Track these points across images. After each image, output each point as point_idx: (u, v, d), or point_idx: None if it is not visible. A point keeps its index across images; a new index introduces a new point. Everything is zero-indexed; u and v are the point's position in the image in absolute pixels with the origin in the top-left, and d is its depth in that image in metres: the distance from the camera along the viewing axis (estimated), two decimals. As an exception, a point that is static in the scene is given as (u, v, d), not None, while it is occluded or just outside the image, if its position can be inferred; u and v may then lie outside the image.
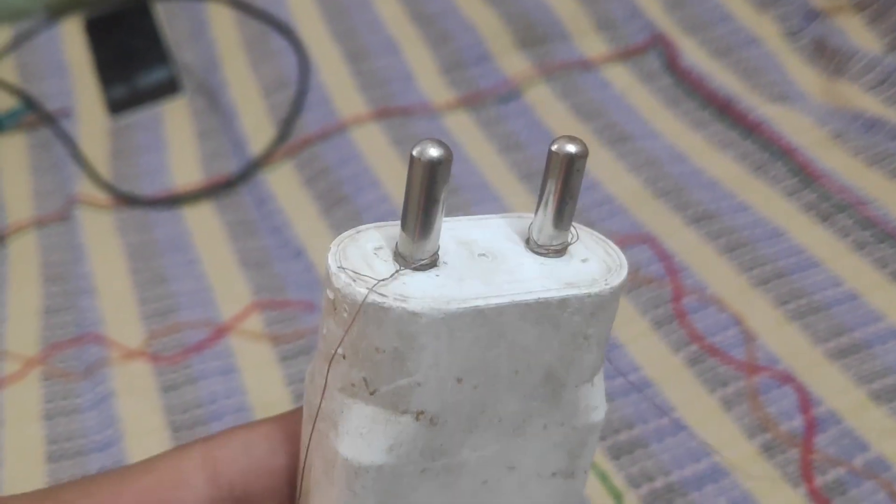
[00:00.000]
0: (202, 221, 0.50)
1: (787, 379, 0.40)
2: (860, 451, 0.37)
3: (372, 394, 0.16)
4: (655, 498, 0.36)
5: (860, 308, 0.42)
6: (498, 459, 0.17)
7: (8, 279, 0.48)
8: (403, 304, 0.15)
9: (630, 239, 0.46)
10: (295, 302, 0.45)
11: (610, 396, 0.40)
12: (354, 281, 0.16)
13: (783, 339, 0.41)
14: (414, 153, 0.15)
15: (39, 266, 0.48)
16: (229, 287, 0.46)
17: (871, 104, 0.52)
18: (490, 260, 0.17)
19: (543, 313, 0.16)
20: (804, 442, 0.38)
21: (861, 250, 0.45)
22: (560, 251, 0.17)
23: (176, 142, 0.54)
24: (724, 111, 0.52)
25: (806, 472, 0.37)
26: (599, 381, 0.18)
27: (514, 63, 0.55)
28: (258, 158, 0.51)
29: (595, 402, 0.18)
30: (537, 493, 0.18)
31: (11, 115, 0.56)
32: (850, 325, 0.42)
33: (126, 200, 0.51)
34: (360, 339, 0.16)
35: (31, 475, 0.39)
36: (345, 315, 0.16)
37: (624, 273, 0.17)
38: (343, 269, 0.16)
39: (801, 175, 0.48)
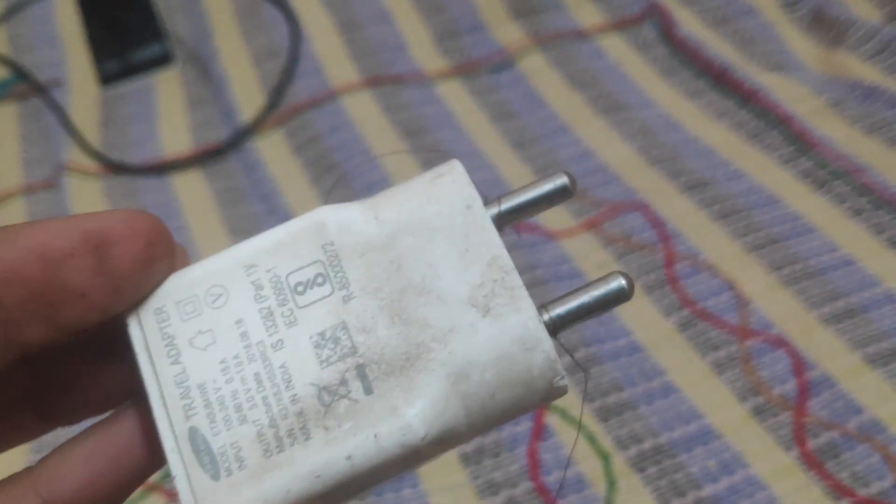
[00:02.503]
0: (191, 189, 0.49)
1: (780, 343, 0.39)
2: (854, 415, 0.37)
3: None
4: (643, 459, 0.36)
5: (856, 273, 0.42)
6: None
7: (-6, 246, 0.47)
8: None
9: (623, 206, 0.46)
10: (283, 268, 0.45)
11: (599, 360, 0.39)
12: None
13: (777, 304, 0.41)
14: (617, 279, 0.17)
15: (26, 233, 0.48)
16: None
17: (869, 73, 0.51)
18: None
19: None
20: (797, 405, 0.37)
21: (858, 217, 0.44)
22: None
23: (166, 111, 0.54)
24: (719, 80, 0.51)
25: (798, 436, 0.36)
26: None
27: (507, 32, 0.55)
28: (248, 126, 0.51)
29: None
30: None
31: (2, 85, 0.56)
32: (845, 291, 0.41)
33: (114, 168, 0.50)
34: None
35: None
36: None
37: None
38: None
39: (798, 143, 0.47)
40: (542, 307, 0.17)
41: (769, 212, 0.45)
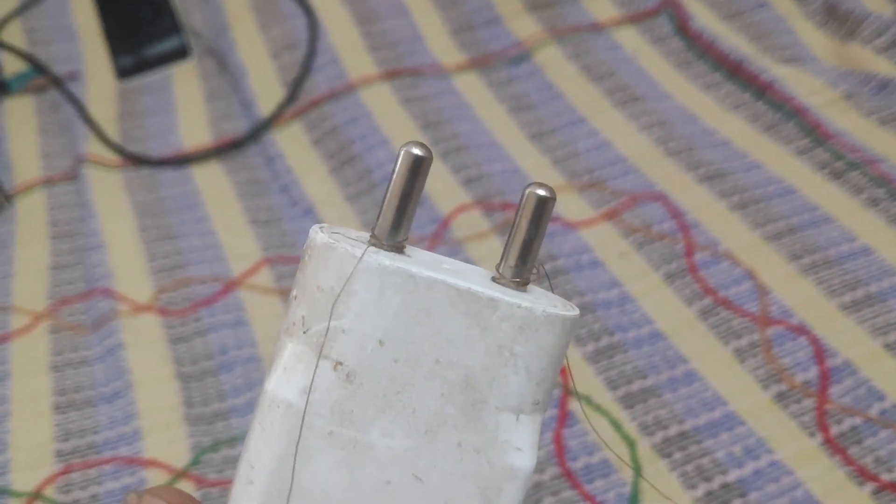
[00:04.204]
0: (211, 180, 0.50)
1: (801, 331, 0.40)
2: (876, 401, 0.37)
3: (305, 332, 0.17)
4: (669, 445, 0.36)
5: (874, 263, 0.42)
6: (406, 461, 0.17)
7: (16, 237, 0.48)
8: (347, 247, 0.17)
9: (642, 197, 0.46)
10: (304, 258, 0.45)
11: (622, 348, 0.40)
12: (321, 231, 0.17)
13: (797, 293, 0.41)
14: (402, 150, 0.18)
15: (47, 224, 0.48)
16: (238, 244, 0.46)
17: (882, 66, 0.51)
18: (451, 270, 0.18)
19: (472, 306, 0.17)
20: (819, 392, 0.37)
21: (875, 207, 0.44)
22: (520, 285, 0.18)
23: (184, 104, 0.54)
24: (735, 72, 0.52)
25: (821, 422, 0.37)
26: (529, 425, 0.18)
27: (524, 25, 0.55)
28: (267, 119, 0.51)
29: (518, 443, 0.18)
30: None
31: (20, 78, 0.56)
32: (864, 279, 0.41)
33: (134, 160, 0.51)
34: (309, 277, 0.17)
35: (39, 425, 0.39)
36: (305, 258, 0.18)
37: (570, 315, 0.18)
38: (321, 227, 0.18)
39: (814, 135, 0.48)
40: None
41: (787, 202, 0.45)
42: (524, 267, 0.18)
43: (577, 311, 0.18)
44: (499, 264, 0.18)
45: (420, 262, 0.17)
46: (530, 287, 0.18)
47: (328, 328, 0.17)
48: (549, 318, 0.17)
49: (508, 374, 0.17)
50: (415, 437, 0.17)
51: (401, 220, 0.18)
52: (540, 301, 0.18)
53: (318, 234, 0.17)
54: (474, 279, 0.18)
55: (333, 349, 0.17)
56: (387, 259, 0.17)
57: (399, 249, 0.18)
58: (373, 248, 0.17)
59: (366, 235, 0.18)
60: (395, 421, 0.17)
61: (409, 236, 0.18)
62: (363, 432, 0.17)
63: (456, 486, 0.17)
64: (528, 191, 0.18)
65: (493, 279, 0.18)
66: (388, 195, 0.18)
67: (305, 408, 0.17)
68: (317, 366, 0.17)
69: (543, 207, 0.18)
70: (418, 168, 0.18)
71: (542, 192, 0.18)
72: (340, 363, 0.17)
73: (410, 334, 0.17)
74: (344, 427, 0.17)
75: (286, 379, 0.17)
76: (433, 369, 0.17)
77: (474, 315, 0.17)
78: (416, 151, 0.17)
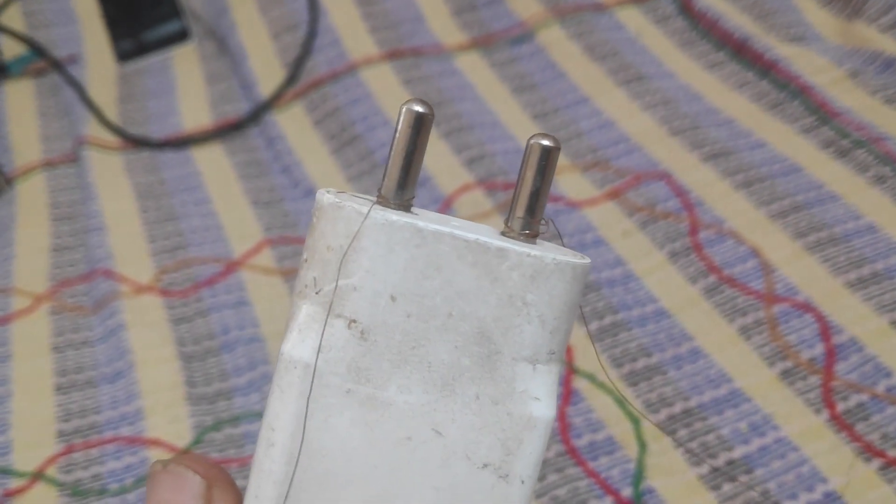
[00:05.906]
0: (212, 162, 0.49)
1: (806, 308, 0.39)
2: (883, 377, 0.37)
3: (317, 293, 0.17)
4: (674, 422, 0.36)
5: (880, 240, 0.42)
6: (425, 415, 0.17)
7: (16, 219, 0.47)
8: (354, 205, 0.17)
9: (646, 176, 0.46)
10: (306, 238, 0.45)
11: (627, 326, 0.39)
12: (328, 193, 0.18)
13: (802, 271, 0.41)
14: (403, 107, 0.17)
15: (48, 206, 0.48)
16: (240, 225, 0.46)
17: (888, 44, 0.51)
18: (459, 226, 0.18)
19: (481, 257, 0.17)
20: (825, 369, 0.37)
21: (881, 184, 0.44)
22: (529, 237, 0.18)
23: (185, 86, 0.54)
24: (739, 52, 0.51)
25: (827, 398, 0.36)
26: (546, 374, 0.18)
27: (526, 5, 0.55)
28: (268, 100, 0.51)
29: (536, 393, 0.17)
30: (463, 482, 0.17)
31: (19, 61, 0.56)
32: (870, 256, 0.41)
33: (135, 142, 0.50)
34: (318, 238, 0.17)
35: (41, 406, 0.39)
36: (314, 221, 0.18)
37: (580, 262, 0.18)
38: (327, 190, 0.18)
39: (819, 113, 0.47)
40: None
41: (792, 180, 0.45)
42: (532, 219, 0.18)
43: (588, 260, 0.18)
44: (507, 219, 0.18)
45: (427, 219, 0.17)
46: (539, 240, 0.18)
47: (337, 286, 0.17)
48: (559, 266, 0.17)
49: (522, 324, 0.17)
50: (432, 391, 0.17)
51: (406, 178, 0.17)
52: (550, 251, 0.18)
53: (324, 196, 0.17)
54: (482, 232, 0.17)
55: (346, 307, 0.17)
56: (393, 215, 0.17)
57: (406, 208, 0.18)
58: (379, 206, 0.17)
59: (373, 197, 0.18)
60: (411, 376, 0.17)
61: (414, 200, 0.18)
62: (380, 389, 0.17)
63: (476, 438, 0.17)
64: (531, 142, 0.18)
65: (502, 233, 0.18)
66: (392, 154, 0.18)
67: (315, 365, 0.17)
68: (325, 323, 0.17)
69: (548, 157, 0.18)
70: (420, 125, 0.17)
71: (545, 142, 0.18)
72: (354, 321, 0.17)
73: (421, 288, 0.17)
74: (361, 384, 0.17)
75: (301, 340, 0.17)
76: (446, 322, 0.17)
77: (484, 266, 0.17)
78: (417, 108, 0.17)
